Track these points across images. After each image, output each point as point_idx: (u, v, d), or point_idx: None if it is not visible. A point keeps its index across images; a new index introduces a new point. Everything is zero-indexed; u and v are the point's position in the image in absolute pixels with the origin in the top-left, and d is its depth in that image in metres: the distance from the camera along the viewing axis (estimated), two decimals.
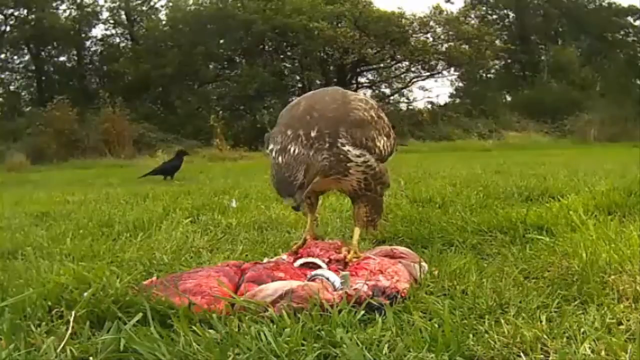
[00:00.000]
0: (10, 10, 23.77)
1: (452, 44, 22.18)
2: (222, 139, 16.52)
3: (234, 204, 3.92)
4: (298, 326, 1.42)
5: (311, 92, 2.19)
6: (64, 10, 25.11)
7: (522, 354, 1.32)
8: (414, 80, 24.58)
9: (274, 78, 22.52)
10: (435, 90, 36.69)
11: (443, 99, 26.56)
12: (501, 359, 1.31)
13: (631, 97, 21.31)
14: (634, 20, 27.55)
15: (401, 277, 1.79)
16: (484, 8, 26.97)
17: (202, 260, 2.33)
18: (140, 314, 1.50)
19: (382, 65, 24.11)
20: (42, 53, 25.05)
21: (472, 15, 23.61)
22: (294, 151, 1.86)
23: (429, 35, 22.67)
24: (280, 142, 1.89)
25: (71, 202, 4.91)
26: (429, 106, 24.56)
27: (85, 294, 1.63)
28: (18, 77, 25.28)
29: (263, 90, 22.07)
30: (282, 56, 24.38)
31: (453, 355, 1.29)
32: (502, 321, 1.48)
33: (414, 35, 22.46)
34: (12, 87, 25.15)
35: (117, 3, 25.53)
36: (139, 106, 21.34)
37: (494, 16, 28.47)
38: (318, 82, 24.75)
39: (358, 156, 2.00)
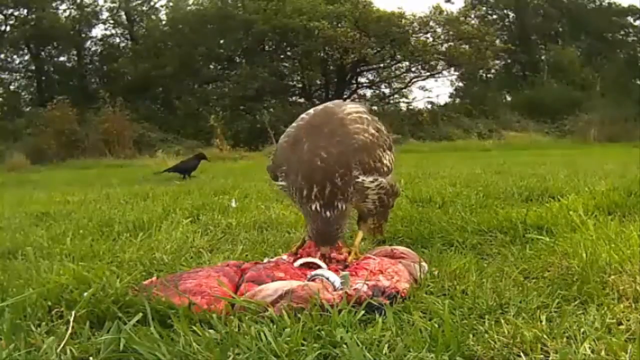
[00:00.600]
0: (10, 10, 23.77)
1: (452, 44, 22.17)
2: (222, 139, 16.52)
3: (234, 204, 3.92)
4: (298, 326, 1.42)
5: (305, 120, 2.11)
6: (64, 10, 25.13)
7: (522, 354, 1.32)
8: (414, 80, 24.56)
9: (274, 78, 22.51)
10: (435, 90, 36.76)
11: (443, 99, 26.61)
12: (501, 359, 1.31)
13: (631, 97, 21.28)
14: (634, 20, 27.56)
15: (401, 277, 1.79)
16: (484, 8, 26.97)
17: (202, 260, 2.34)
18: (140, 314, 1.50)
19: (382, 65, 24.09)
20: (42, 53, 25.04)
21: (472, 15, 23.60)
22: (342, 207, 1.95)
23: (429, 35, 22.67)
24: (321, 199, 1.93)
25: (71, 202, 4.91)
26: (429, 106, 24.57)
27: (85, 294, 1.63)
28: (18, 77, 25.28)
29: (263, 90, 22.06)
30: (282, 56, 24.36)
31: (453, 355, 1.29)
32: (502, 321, 1.48)
33: (414, 35, 22.44)
34: (12, 87, 25.15)
35: (117, 3, 25.53)
36: (139, 106, 21.33)
37: (494, 16, 28.46)
38: (318, 82, 24.78)
39: (372, 182, 2.04)
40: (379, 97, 25.32)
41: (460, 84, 27.08)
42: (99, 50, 25.86)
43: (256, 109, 21.95)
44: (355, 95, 25.08)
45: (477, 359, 1.32)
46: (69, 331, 1.46)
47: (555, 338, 1.37)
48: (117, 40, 26.43)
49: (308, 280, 1.76)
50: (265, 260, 2.05)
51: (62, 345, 1.38)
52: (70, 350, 1.37)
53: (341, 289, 1.70)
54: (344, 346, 1.31)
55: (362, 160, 1.99)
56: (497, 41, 23.86)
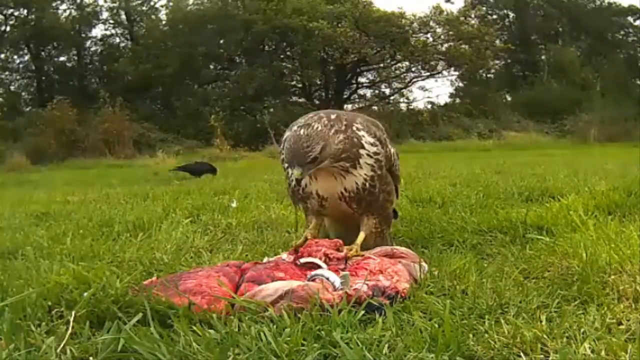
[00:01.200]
0: (10, 10, 23.76)
1: (452, 44, 22.16)
2: (222, 139, 16.51)
3: (234, 204, 3.92)
4: (298, 326, 1.42)
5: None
6: (64, 10, 25.12)
7: (522, 354, 1.32)
8: (414, 80, 24.56)
9: (274, 78, 22.51)
10: (435, 90, 36.66)
11: (443, 99, 26.57)
12: (501, 359, 1.31)
13: (631, 97, 21.28)
14: (634, 20, 27.54)
15: (401, 277, 1.79)
16: (484, 8, 26.94)
17: (202, 260, 2.34)
18: (140, 314, 1.50)
19: (382, 65, 24.08)
20: (42, 53, 25.03)
21: (472, 15, 23.58)
22: (317, 127, 1.97)
23: (429, 35, 22.66)
24: (305, 120, 2.04)
25: (71, 202, 4.91)
26: (429, 106, 24.56)
27: (85, 294, 1.63)
28: (18, 77, 25.26)
29: (263, 91, 22.05)
30: (282, 56, 24.35)
31: (453, 355, 1.29)
32: (502, 321, 1.48)
33: (414, 35, 22.43)
34: (12, 87, 25.13)
35: (117, 3, 25.51)
36: (139, 106, 21.32)
37: (494, 16, 28.43)
38: (318, 81, 24.76)
39: (371, 144, 2.07)
40: (379, 97, 25.32)
41: (460, 84, 27.07)
42: (99, 50, 25.87)
43: (256, 109, 21.95)
44: (355, 95, 25.11)
45: (477, 359, 1.32)
46: (69, 331, 1.46)
47: (555, 338, 1.37)
48: (117, 40, 26.45)
49: (308, 280, 1.76)
50: (265, 260, 2.05)
51: (62, 345, 1.38)
52: (70, 350, 1.37)
53: (341, 289, 1.70)
54: (344, 346, 1.31)
55: (369, 127, 2.10)
56: (497, 41, 23.86)
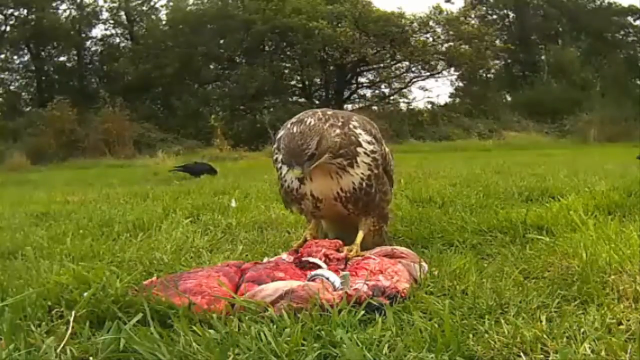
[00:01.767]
0: (10, 10, 23.74)
1: (452, 44, 22.15)
2: (222, 139, 16.51)
3: (234, 204, 3.92)
4: (298, 326, 1.42)
5: None
6: (64, 10, 25.08)
7: (522, 354, 1.32)
8: (414, 80, 24.54)
9: (274, 78, 22.50)
10: (435, 90, 36.59)
11: (443, 99, 26.52)
12: (501, 359, 1.31)
13: (631, 97, 21.27)
14: (634, 20, 27.51)
15: (401, 277, 1.79)
16: (484, 8, 26.94)
17: (202, 260, 2.34)
18: (140, 314, 1.50)
19: (382, 65, 24.07)
20: (42, 53, 25.01)
21: (472, 15, 23.57)
22: (310, 122, 1.92)
23: (429, 35, 22.65)
24: (297, 117, 1.98)
25: (71, 202, 4.91)
26: (429, 106, 24.54)
27: (85, 294, 1.63)
28: (18, 77, 25.25)
29: (263, 90, 22.05)
30: (282, 56, 24.35)
31: (453, 355, 1.29)
32: (502, 321, 1.48)
33: (414, 35, 22.42)
34: (12, 87, 25.12)
35: (117, 3, 25.49)
36: (139, 106, 21.30)
37: (494, 16, 28.42)
38: (318, 81, 24.76)
39: (368, 142, 2.05)
40: (379, 97, 25.31)
41: (460, 84, 27.05)
42: (99, 50, 25.83)
43: (256, 108, 21.95)
44: (355, 95, 25.10)
45: (477, 359, 1.32)
46: (69, 331, 1.46)
47: (555, 338, 1.37)
48: (117, 40, 26.42)
49: (308, 280, 1.76)
50: (265, 260, 2.05)
51: (62, 345, 1.38)
52: (70, 350, 1.37)
53: (341, 289, 1.70)
54: (344, 346, 1.31)
55: (365, 125, 2.08)
56: (497, 41, 23.85)
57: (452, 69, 24.45)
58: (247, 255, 2.42)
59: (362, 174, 2.05)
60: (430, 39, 22.60)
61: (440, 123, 21.64)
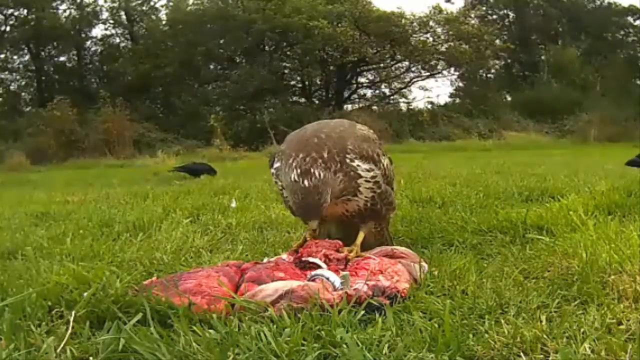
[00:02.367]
0: (10, 10, 23.74)
1: (452, 44, 22.13)
2: (222, 139, 16.52)
3: (233, 204, 3.92)
4: (298, 326, 1.42)
5: (316, 122, 2.26)
6: (64, 10, 25.08)
7: (522, 354, 1.32)
8: (414, 80, 24.53)
9: (274, 78, 22.50)
10: (435, 90, 36.62)
11: (443, 99, 26.53)
12: (501, 359, 1.31)
13: (631, 97, 21.26)
14: (634, 20, 27.52)
15: (401, 277, 1.79)
16: (484, 8, 26.94)
17: (202, 260, 2.34)
18: (140, 314, 1.50)
19: (382, 65, 24.06)
20: (42, 53, 25.01)
21: (472, 15, 23.58)
22: (320, 175, 1.90)
23: (428, 35, 22.63)
24: (300, 166, 1.92)
25: (71, 202, 4.91)
26: (429, 106, 24.53)
27: (85, 294, 1.63)
28: (18, 77, 25.25)
29: (263, 90, 22.04)
30: (282, 56, 24.34)
31: (453, 355, 1.29)
32: (502, 321, 1.48)
33: (413, 35, 22.41)
34: (12, 87, 25.12)
35: (117, 3, 25.49)
36: (139, 106, 21.29)
37: (494, 16, 28.43)
38: (318, 81, 24.75)
39: (367, 170, 2.05)
40: (379, 97, 25.30)
41: (460, 84, 27.05)
42: (99, 50, 25.83)
43: (256, 108, 21.93)
44: (355, 95, 25.09)
45: (477, 359, 1.32)
46: (69, 331, 1.46)
47: (555, 338, 1.37)
48: (117, 40, 26.41)
49: (308, 280, 1.76)
50: (265, 260, 2.05)
51: (62, 345, 1.38)
52: (70, 350, 1.37)
53: (341, 289, 1.70)
54: (344, 346, 1.31)
55: (360, 147, 2.05)
56: (497, 41, 23.85)
57: (452, 68, 24.48)
58: (247, 255, 2.42)
59: (366, 197, 2.09)
60: (430, 39, 22.59)
61: (440, 123, 21.63)
